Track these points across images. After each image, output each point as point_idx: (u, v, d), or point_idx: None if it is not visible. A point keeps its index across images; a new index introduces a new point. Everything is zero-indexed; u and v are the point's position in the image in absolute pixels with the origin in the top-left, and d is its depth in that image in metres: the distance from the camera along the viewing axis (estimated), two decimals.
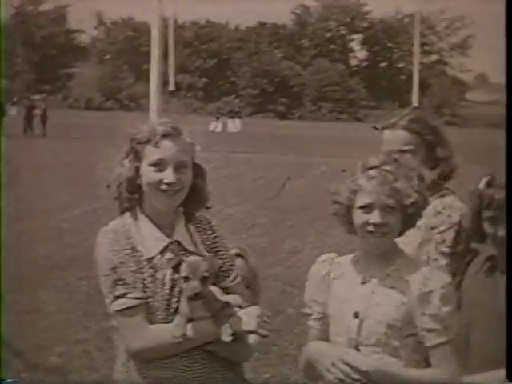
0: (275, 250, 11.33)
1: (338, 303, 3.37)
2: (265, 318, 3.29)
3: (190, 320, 3.35)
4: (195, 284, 3.27)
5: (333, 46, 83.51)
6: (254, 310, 3.34)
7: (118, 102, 77.68)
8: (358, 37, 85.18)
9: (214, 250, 3.52)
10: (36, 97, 51.15)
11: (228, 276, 3.51)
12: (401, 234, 3.37)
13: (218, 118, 34.56)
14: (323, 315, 3.44)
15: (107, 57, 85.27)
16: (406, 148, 4.07)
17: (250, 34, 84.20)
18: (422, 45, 72.40)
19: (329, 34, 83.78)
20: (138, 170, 3.41)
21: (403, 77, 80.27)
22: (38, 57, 79.99)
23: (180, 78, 69.98)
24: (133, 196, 3.43)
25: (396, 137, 4.12)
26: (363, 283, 3.34)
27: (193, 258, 3.36)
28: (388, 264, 3.34)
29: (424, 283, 3.27)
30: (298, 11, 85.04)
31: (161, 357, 3.36)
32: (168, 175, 3.36)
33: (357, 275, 3.38)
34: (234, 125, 38.04)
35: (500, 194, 3.49)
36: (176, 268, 3.32)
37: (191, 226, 3.52)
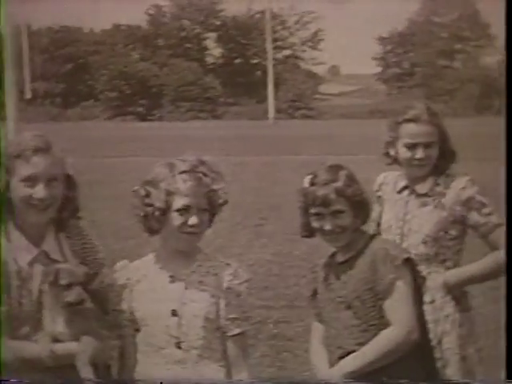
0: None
1: (147, 305, 3.44)
2: None
3: (56, 339, 3.31)
4: (79, 290, 3.30)
5: (188, 45, 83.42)
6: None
7: None
8: (212, 35, 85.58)
9: (83, 255, 3.53)
10: None
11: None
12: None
13: None
14: (130, 322, 3.48)
15: None
16: (429, 141, 4.14)
17: (105, 36, 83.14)
18: (275, 40, 73.69)
19: (183, 33, 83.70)
20: (8, 184, 3.38)
21: (259, 72, 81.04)
22: None
23: (37, 86, 68.71)
24: (2, 209, 3.40)
25: (421, 130, 4.13)
26: (172, 282, 3.46)
27: (66, 265, 3.38)
28: (190, 261, 3.50)
29: (234, 275, 3.48)
30: (152, 11, 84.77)
31: (33, 369, 3.32)
32: (38, 191, 3.35)
33: (162, 273, 3.49)
34: None
35: (322, 191, 3.61)
36: (55, 279, 3.30)
37: (62, 235, 3.53)
